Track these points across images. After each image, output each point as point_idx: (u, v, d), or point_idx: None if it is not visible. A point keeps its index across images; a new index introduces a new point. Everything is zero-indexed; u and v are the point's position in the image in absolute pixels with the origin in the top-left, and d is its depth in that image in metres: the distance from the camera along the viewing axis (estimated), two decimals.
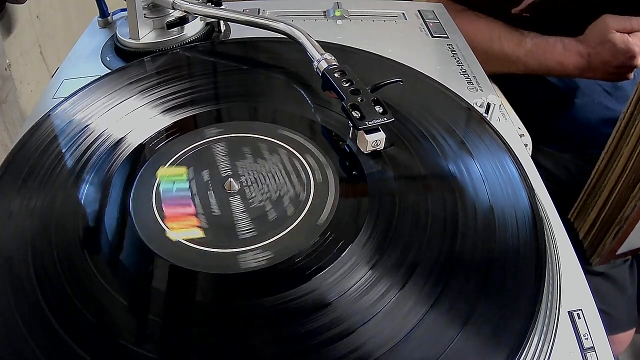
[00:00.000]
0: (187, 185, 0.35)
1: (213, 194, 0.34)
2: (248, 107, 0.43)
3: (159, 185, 0.35)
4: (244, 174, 0.36)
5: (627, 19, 0.61)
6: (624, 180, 0.54)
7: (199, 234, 0.32)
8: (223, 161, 0.37)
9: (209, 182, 0.35)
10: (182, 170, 0.36)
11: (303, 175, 0.35)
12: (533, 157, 0.41)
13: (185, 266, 0.30)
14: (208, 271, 0.30)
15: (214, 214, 0.33)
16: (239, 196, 0.34)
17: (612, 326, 0.69)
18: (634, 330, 0.73)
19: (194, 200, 0.34)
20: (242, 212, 0.33)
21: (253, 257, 0.31)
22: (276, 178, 0.35)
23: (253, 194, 0.34)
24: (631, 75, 0.64)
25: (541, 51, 0.66)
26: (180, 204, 0.34)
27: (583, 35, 0.64)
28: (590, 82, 0.72)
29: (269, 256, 0.31)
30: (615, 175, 0.55)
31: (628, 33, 0.61)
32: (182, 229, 0.32)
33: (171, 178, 0.36)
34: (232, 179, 0.35)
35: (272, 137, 0.38)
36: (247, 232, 0.32)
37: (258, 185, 0.35)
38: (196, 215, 0.33)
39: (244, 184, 0.35)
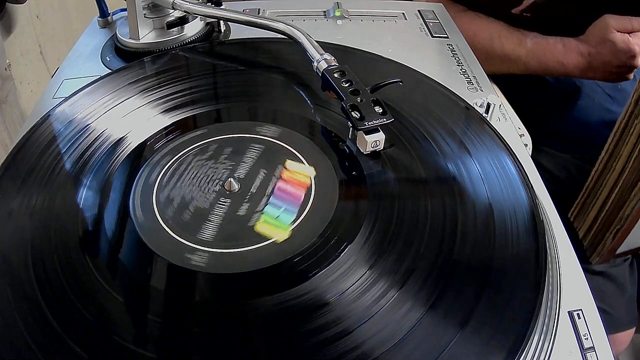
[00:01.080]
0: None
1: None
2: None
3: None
4: (243, 175, 0.36)
5: (628, 19, 0.61)
6: (623, 179, 0.54)
7: None
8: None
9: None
10: None
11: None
12: (533, 157, 0.41)
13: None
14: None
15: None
16: (238, 197, 0.34)
17: (612, 325, 0.69)
18: (634, 329, 0.73)
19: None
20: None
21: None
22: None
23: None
24: (631, 76, 0.64)
25: (541, 51, 0.66)
26: None
27: (584, 35, 0.64)
28: (591, 84, 0.72)
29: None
30: (615, 174, 0.55)
31: (628, 33, 0.61)
32: None
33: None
34: (232, 179, 0.35)
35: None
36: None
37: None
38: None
39: (244, 185, 0.35)
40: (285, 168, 0.36)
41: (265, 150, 0.37)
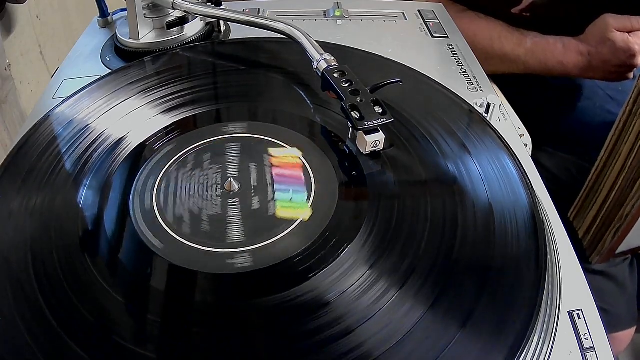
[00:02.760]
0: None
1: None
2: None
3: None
4: (243, 175, 0.36)
5: (628, 18, 0.61)
6: (623, 178, 0.54)
7: None
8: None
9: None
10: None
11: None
12: (533, 157, 0.41)
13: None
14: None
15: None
16: (239, 196, 0.34)
17: (612, 324, 0.69)
18: (634, 328, 0.73)
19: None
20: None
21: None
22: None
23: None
24: (631, 75, 0.64)
25: (541, 50, 0.66)
26: None
27: (583, 35, 0.64)
28: (592, 85, 0.72)
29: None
30: (614, 173, 0.55)
31: (628, 32, 0.61)
32: None
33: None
34: (232, 179, 0.35)
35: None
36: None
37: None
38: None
39: (244, 184, 0.35)
40: (271, 156, 0.37)
41: (263, 150, 0.37)
